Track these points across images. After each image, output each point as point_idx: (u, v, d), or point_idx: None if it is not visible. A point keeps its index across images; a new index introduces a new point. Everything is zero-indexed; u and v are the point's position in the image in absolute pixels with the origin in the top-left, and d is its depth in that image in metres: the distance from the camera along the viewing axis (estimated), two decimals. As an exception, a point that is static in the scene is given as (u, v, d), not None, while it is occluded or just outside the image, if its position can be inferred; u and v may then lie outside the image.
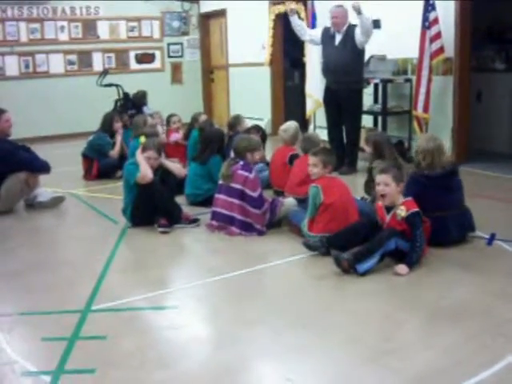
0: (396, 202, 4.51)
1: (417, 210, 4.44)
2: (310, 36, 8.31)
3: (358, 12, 7.33)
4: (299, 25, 8.33)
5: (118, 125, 8.37)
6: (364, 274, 4.29)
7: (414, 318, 3.69)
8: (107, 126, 8.32)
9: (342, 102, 7.93)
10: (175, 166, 6.16)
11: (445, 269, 4.44)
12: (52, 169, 6.75)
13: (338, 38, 7.86)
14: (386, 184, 4.50)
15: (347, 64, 7.74)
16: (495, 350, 3.22)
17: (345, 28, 7.78)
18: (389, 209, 4.57)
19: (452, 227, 4.79)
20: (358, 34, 7.62)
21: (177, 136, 8.22)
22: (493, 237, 4.94)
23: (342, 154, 7.89)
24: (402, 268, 4.32)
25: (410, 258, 4.36)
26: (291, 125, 6.79)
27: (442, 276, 4.32)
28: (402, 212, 4.42)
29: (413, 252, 4.36)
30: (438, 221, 4.61)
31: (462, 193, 5.01)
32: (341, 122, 8.13)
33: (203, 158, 6.36)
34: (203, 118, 8.17)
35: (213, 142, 6.47)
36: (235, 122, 7.65)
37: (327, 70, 8.12)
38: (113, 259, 4.88)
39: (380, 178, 4.55)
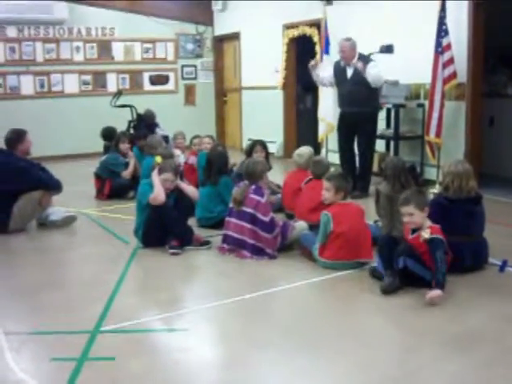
0: (424, 225, 4.51)
1: (441, 237, 4.43)
2: (329, 81, 8.36)
3: (362, 70, 7.61)
4: (321, 77, 8.43)
5: (123, 146, 8.38)
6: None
7: (425, 343, 3.66)
8: (114, 145, 8.39)
9: (357, 127, 7.96)
10: (190, 189, 6.14)
11: (457, 294, 4.41)
12: (65, 188, 6.79)
13: (350, 72, 7.90)
14: (411, 214, 4.50)
15: (362, 96, 7.77)
16: (508, 379, 3.18)
17: (355, 61, 7.80)
18: (414, 231, 4.57)
19: (467, 255, 4.76)
20: (368, 79, 7.71)
21: (194, 160, 8.11)
22: (505, 263, 4.91)
23: (354, 178, 7.91)
24: (434, 293, 4.22)
25: (437, 280, 4.29)
26: (306, 150, 6.80)
27: (454, 301, 4.29)
28: (426, 234, 4.40)
29: (437, 273, 4.30)
30: (453, 247, 4.57)
31: (483, 222, 4.98)
32: (353, 146, 8.16)
33: (212, 179, 6.37)
34: (206, 140, 8.16)
35: (215, 162, 6.47)
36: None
37: (342, 102, 8.13)
38: (123, 280, 4.88)
39: (403, 210, 4.55)
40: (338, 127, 8.37)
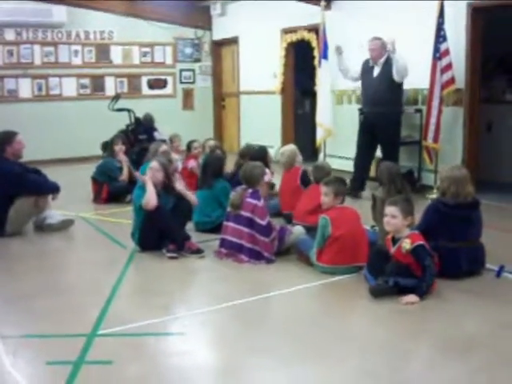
0: (402, 234, 4.50)
1: (421, 243, 4.43)
2: (354, 75, 8.47)
3: (393, 50, 7.67)
4: (345, 65, 8.58)
5: (117, 147, 8.37)
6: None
7: (423, 348, 3.68)
8: (109, 149, 8.38)
9: (379, 132, 8.04)
10: (191, 194, 6.12)
11: (454, 300, 4.42)
12: (62, 191, 6.77)
13: (377, 71, 8.02)
14: (393, 216, 4.51)
15: (386, 96, 7.87)
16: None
17: (382, 60, 7.92)
18: (395, 241, 4.56)
19: (463, 260, 4.76)
20: (394, 72, 7.79)
21: (193, 164, 8.13)
22: (502, 269, 4.91)
23: (364, 178, 8.24)
24: (411, 297, 4.30)
25: (420, 288, 4.33)
26: (288, 148, 6.93)
27: (451, 307, 4.30)
28: (406, 245, 4.41)
29: (423, 282, 4.33)
30: (450, 252, 4.58)
31: (480, 227, 4.99)
32: (371, 147, 8.30)
33: (208, 182, 6.38)
34: (211, 143, 8.18)
35: (210, 165, 6.50)
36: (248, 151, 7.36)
37: (366, 101, 8.25)
38: (120, 284, 4.88)
39: (388, 210, 4.56)
40: (359, 127, 8.45)
